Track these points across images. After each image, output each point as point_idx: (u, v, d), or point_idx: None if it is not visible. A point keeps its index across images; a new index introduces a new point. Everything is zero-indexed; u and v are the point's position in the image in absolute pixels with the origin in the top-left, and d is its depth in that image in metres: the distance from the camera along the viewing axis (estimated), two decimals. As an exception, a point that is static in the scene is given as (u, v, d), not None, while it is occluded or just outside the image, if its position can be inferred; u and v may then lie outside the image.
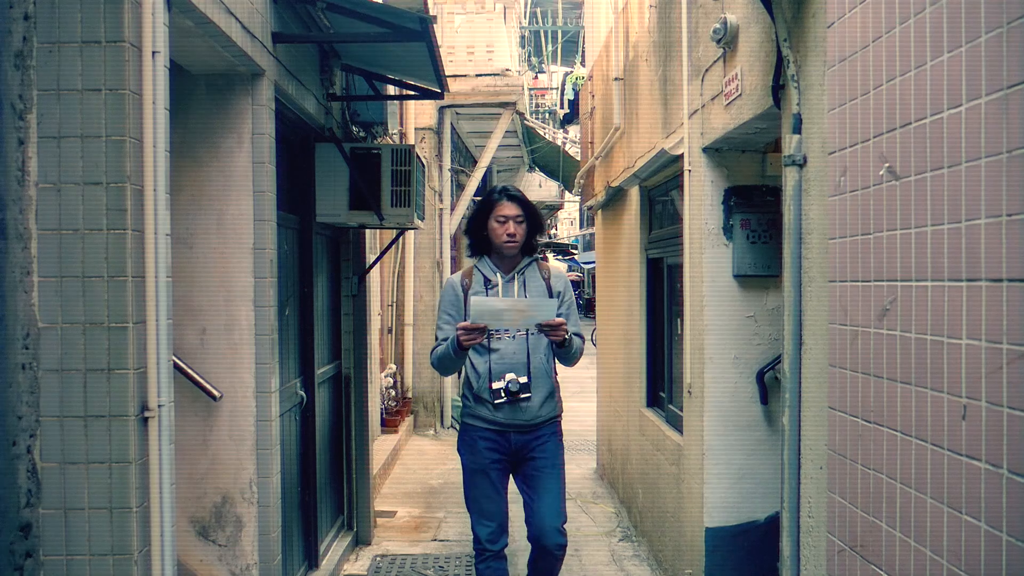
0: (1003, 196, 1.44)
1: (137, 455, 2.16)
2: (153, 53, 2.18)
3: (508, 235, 3.12)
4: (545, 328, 2.91)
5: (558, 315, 3.01)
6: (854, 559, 2.02)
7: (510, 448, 3.13)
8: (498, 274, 3.18)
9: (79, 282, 2.12)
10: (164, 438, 2.23)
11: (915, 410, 1.73)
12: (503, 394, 3.05)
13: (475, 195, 10.03)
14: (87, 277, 2.12)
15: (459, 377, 10.06)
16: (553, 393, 3.17)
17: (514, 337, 3.08)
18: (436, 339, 3.18)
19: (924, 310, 1.69)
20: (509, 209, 3.13)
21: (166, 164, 2.25)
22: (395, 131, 6.96)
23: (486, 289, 3.15)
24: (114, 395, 2.12)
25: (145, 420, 2.19)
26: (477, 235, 3.23)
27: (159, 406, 2.21)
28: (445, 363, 3.10)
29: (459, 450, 3.25)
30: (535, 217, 3.22)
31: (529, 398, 3.06)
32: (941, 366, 1.63)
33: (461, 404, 3.24)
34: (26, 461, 2.09)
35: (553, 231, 30.61)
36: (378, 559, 4.88)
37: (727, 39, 3.10)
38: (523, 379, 3.05)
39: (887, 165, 1.85)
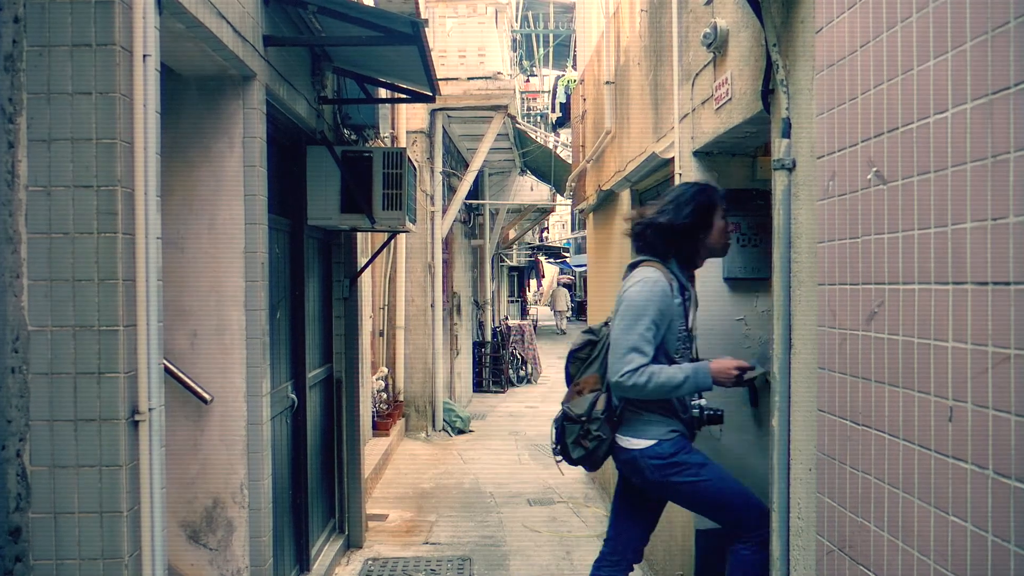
0: (988, 200, 1.46)
1: (127, 459, 2.15)
2: (144, 56, 2.18)
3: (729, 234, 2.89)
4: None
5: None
6: (843, 560, 2.04)
7: None
8: (687, 284, 2.85)
9: (69, 285, 2.11)
10: (154, 441, 2.23)
11: (902, 412, 1.75)
12: (703, 415, 2.86)
13: (467, 198, 10.03)
14: (77, 280, 2.11)
15: (450, 378, 10.05)
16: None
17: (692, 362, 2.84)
18: (631, 353, 2.64)
19: (911, 313, 1.71)
20: None
21: (157, 167, 2.25)
22: (386, 134, 6.95)
23: (683, 299, 2.79)
24: (104, 398, 2.12)
25: (135, 423, 2.18)
26: (692, 235, 2.79)
27: (149, 409, 2.20)
28: (666, 390, 2.67)
29: (685, 458, 2.77)
30: None
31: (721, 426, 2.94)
32: (928, 369, 1.65)
33: (660, 420, 2.79)
34: (16, 465, 2.08)
35: (544, 234, 30.63)
36: (370, 562, 4.87)
37: (717, 44, 3.12)
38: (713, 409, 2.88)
39: (875, 169, 1.86)
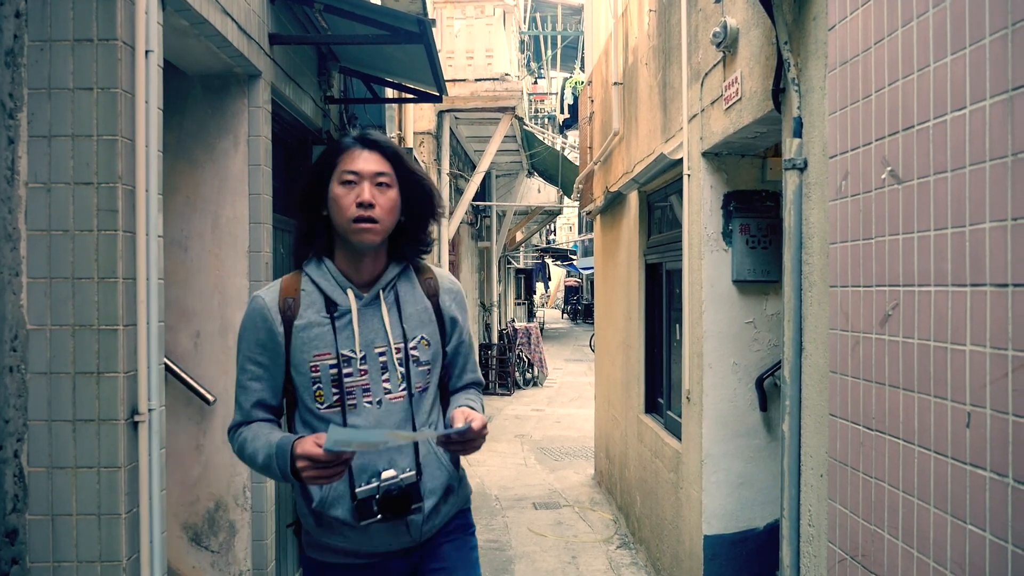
0: (1008, 200, 1.41)
1: (126, 460, 2.12)
2: (147, 52, 2.16)
3: (360, 205, 1.65)
4: (456, 443, 1.59)
5: (451, 360, 1.83)
6: (855, 569, 1.99)
7: None
8: (349, 291, 1.71)
9: (69, 283, 2.09)
10: (154, 443, 2.20)
11: (918, 417, 1.70)
12: (375, 507, 1.63)
13: (474, 199, 10.00)
14: (77, 278, 2.09)
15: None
16: (453, 479, 1.76)
17: (381, 403, 1.68)
18: (237, 408, 1.73)
19: (927, 316, 1.66)
20: (365, 163, 1.69)
21: (159, 164, 2.23)
22: (393, 135, 6.94)
23: (331, 319, 1.69)
24: (103, 399, 2.09)
25: (135, 424, 2.15)
26: (311, 216, 1.73)
27: (149, 410, 2.18)
28: (261, 471, 1.67)
29: None
30: (417, 186, 1.76)
31: (420, 508, 1.68)
32: (944, 373, 1.60)
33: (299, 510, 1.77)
34: (13, 466, 2.06)
35: (552, 236, 30.62)
36: (373, 566, 4.84)
37: (727, 43, 3.08)
38: (408, 473, 1.66)
39: (889, 168, 1.82)
